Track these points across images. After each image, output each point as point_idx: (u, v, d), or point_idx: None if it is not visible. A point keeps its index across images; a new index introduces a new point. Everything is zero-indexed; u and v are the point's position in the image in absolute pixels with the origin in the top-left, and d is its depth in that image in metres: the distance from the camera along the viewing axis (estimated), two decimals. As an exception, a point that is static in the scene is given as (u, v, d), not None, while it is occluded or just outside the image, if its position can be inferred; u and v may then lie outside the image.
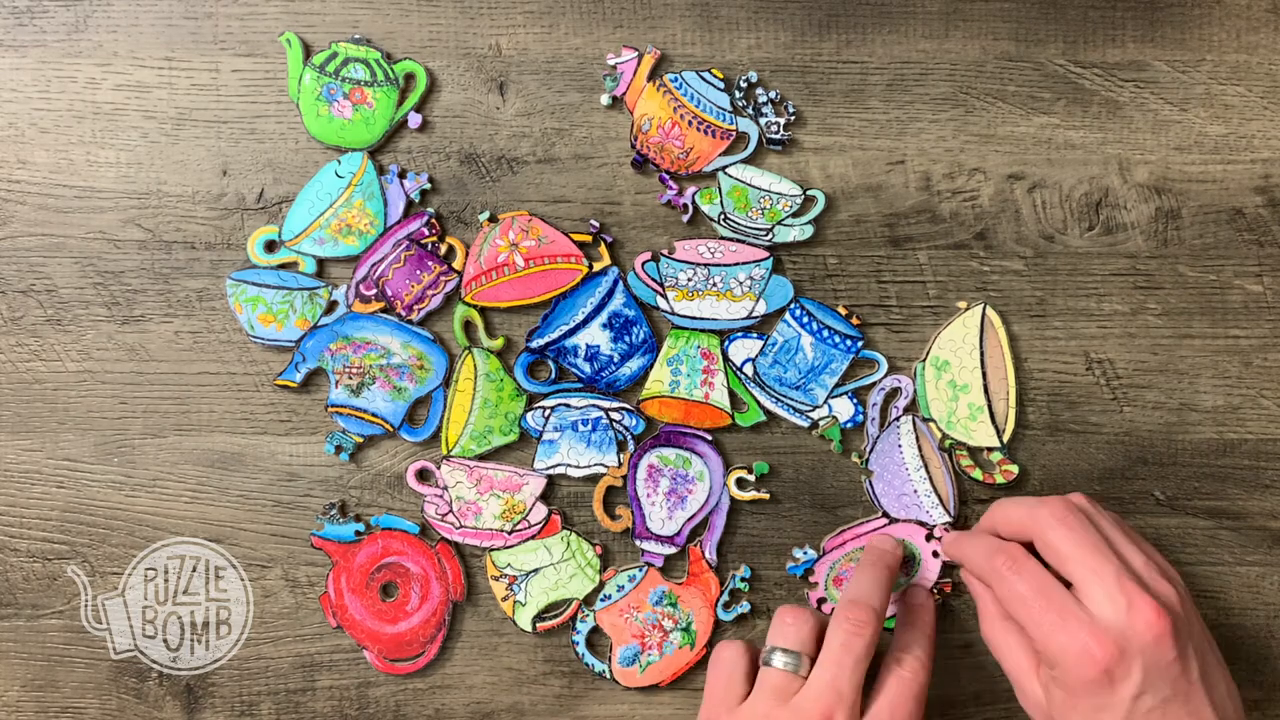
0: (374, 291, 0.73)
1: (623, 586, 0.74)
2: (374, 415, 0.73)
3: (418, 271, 0.73)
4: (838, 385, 0.74)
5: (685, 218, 0.74)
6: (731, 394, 0.74)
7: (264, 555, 0.74)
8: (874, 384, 0.74)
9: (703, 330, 0.74)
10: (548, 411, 0.74)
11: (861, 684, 0.62)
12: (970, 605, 0.75)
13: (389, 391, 0.73)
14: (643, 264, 0.74)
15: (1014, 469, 0.74)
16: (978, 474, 0.74)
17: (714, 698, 0.65)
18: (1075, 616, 0.58)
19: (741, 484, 0.75)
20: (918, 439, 0.73)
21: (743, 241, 0.74)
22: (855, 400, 0.74)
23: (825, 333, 0.73)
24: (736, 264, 0.73)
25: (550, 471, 0.74)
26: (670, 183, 0.74)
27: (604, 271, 0.74)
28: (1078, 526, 0.61)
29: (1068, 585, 0.60)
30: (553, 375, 0.74)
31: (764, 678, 0.64)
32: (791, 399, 0.74)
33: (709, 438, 0.74)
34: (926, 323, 0.75)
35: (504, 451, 0.74)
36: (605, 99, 0.74)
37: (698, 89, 0.73)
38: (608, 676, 0.74)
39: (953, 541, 0.70)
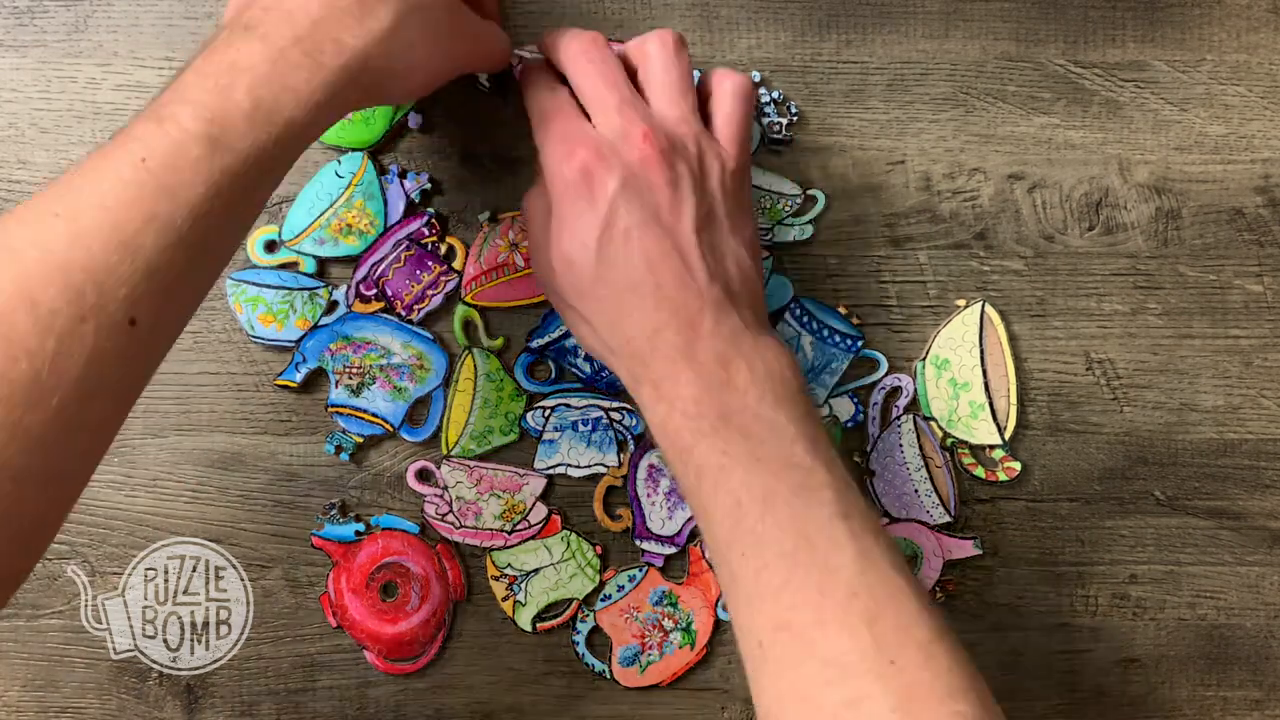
0: (374, 291, 0.73)
1: (623, 586, 0.74)
2: (374, 415, 0.73)
3: (418, 271, 0.73)
4: (838, 385, 0.74)
5: (685, 217, 0.74)
6: (732, 394, 0.74)
7: (264, 555, 0.74)
8: (874, 383, 0.74)
9: (703, 330, 0.74)
10: (548, 411, 0.73)
11: None
12: (970, 605, 0.75)
13: (389, 391, 0.73)
14: (643, 264, 0.74)
15: (1016, 466, 0.74)
16: (980, 472, 0.74)
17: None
18: (571, 117, 0.59)
19: (742, 484, 0.74)
20: (919, 438, 0.73)
21: (743, 241, 0.74)
22: (856, 400, 0.74)
23: (825, 332, 0.73)
24: (737, 264, 0.73)
25: (550, 471, 0.74)
26: (670, 182, 0.74)
27: (604, 271, 0.74)
28: (599, 60, 0.61)
29: None
30: (553, 375, 0.74)
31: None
32: (792, 399, 0.74)
33: (709, 437, 0.74)
34: (927, 322, 0.74)
35: (504, 451, 0.74)
36: (605, 99, 0.74)
37: (698, 89, 0.73)
38: (608, 676, 0.74)
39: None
